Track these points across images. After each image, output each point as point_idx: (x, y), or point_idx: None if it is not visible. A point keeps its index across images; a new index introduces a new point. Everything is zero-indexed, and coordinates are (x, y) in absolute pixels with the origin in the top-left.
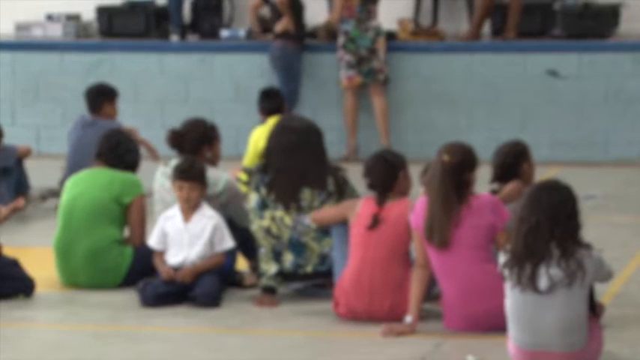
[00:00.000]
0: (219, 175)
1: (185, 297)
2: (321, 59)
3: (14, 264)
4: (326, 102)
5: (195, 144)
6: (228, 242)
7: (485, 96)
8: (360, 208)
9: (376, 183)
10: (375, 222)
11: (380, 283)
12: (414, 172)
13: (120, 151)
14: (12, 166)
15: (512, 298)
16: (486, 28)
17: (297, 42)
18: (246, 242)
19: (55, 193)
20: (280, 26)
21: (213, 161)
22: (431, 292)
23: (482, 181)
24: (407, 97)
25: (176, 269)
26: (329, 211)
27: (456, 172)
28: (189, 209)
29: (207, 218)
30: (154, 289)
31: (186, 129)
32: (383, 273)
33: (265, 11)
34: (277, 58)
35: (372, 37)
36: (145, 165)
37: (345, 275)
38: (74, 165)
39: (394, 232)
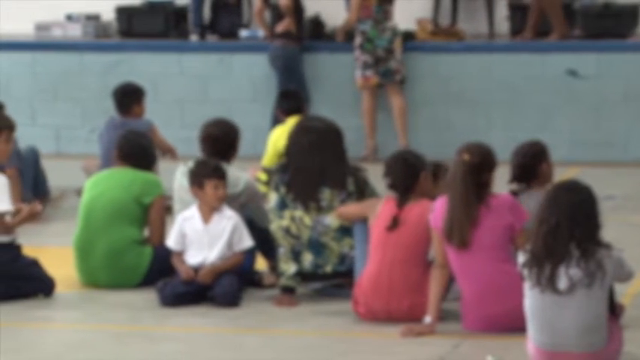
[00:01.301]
0: (238, 176)
1: (204, 297)
2: (339, 60)
3: (34, 264)
4: (344, 102)
5: (233, 146)
6: (247, 242)
7: (504, 96)
8: (381, 208)
9: (397, 183)
10: (395, 223)
11: (398, 285)
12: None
13: (142, 152)
14: (27, 168)
15: (531, 299)
16: (505, 27)
17: (298, 42)
18: (265, 242)
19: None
20: (281, 27)
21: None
22: (451, 292)
23: (501, 181)
24: (425, 97)
25: (195, 270)
26: (352, 207)
27: (475, 172)
28: (211, 210)
29: (227, 219)
30: (173, 289)
31: (215, 130)
32: (402, 274)
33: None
34: (277, 58)
35: (389, 38)
36: (163, 165)
37: (364, 276)
38: (107, 166)
39: (414, 234)
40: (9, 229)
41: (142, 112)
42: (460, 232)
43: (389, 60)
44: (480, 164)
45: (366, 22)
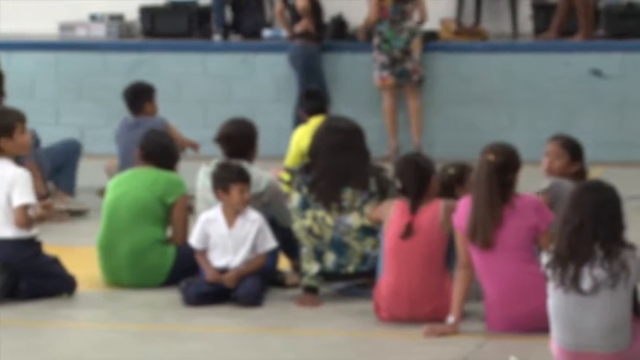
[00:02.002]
0: (261, 175)
1: (227, 296)
2: (361, 59)
3: (55, 262)
4: (366, 102)
5: (249, 145)
6: (271, 243)
7: (528, 96)
8: (393, 213)
9: (409, 188)
10: (409, 231)
11: (419, 292)
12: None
13: (165, 151)
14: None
15: (555, 299)
16: (528, 27)
17: (317, 42)
18: (288, 241)
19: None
20: (300, 27)
21: (253, 160)
22: (475, 292)
23: (525, 181)
24: (448, 97)
25: (219, 271)
26: (374, 211)
27: (500, 172)
28: (235, 213)
29: (251, 222)
30: (197, 289)
31: (231, 129)
32: (421, 282)
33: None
34: (297, 58)
35: (406, 38)
36: (185, 165)
37: (383, 284)
38: (127, 167)
39: (428, 240)
40: (31, 223)
41: (154, 110)
42: (484, 232)
43: (405, 61)
44: (504, 164)
45: (383, 22)
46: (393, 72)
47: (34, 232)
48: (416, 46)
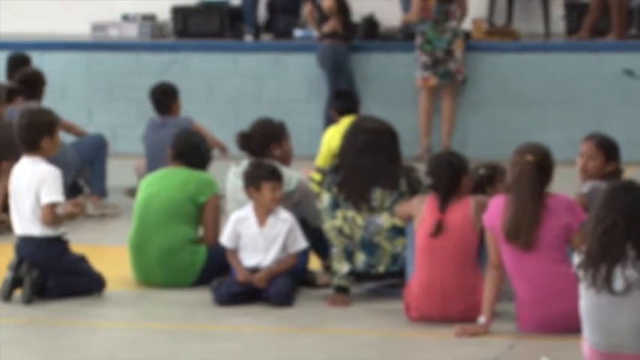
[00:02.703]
0: (291, 174)
1: (258, 296)
2: (394, 59)
3: (81, 260)
4: (398, 101)
5: (263, 143)
6: (301, 243)
7: (560, 96)
8: (424, 210)
9: (439, 185)
10: (439, 229)
11: (452, 290)
12: None
13: (196, 151)
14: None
15: (587, 299)
16: (560, 27)
17: (345, 41)
18: (319, 241)
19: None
20: (327, 27)
21: (285, 160)
22: (506, 292)
23: (558, 181)
24: (481, 97)
25: (250, 271)
26: (403, 207)
27: (539, 172)
28: (267, 212)
29: (282, 222)
30: (228, 289)
31: (253, 129)
32: (454, 280)
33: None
34: (325, 58)
35: (449, 39)
36: (215, 164)
37: (414, 282)
38: (155, 167)
39: (460, 238)
40: (58, 221)
41: (178, 109)
42: (527, 233)
43: (448, 61)
44: (542, 164)
45: (426, 22)
46: (436, 73)
47: (62, 230)
48: (458, 46)
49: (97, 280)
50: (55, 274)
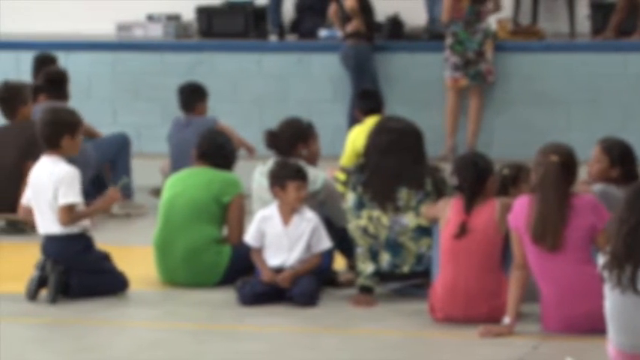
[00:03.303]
0: (316, 174)
1: (282, 296)
2: (419, 59)
3: (105, 258)
4: (425, 101)
5: (290, 142)
6: (326, 243)
7: (585, 96)
8: (449, 212)
9: (465, 187)
10: (463, 230)
11: (476, 292)
12: None
13: (223, 152)
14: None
15: (611, 300)
16: (586, 27)
17: (368, 41)
18: (344, 241)
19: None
20: (351, 27)
21: (311, 160)
22: (531, 293)
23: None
24: (506, 97)
25: (274, 271)
26: (429, 208)
27: (564, 172)
28: (292, 211)
29: (307, 221)
30: (252, 289)
31: (281, 128)
32: (478, 282)
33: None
34: (349, 58)
35: (480, 40)
36: (241, 164)
37: (439, 283)
38: (178, 166)
39: (484, 240)
40: (75, 221)
41: (205, 110)
42: (553, 234)
43: (479, 62)
44: (566, 165)
45: (457, 23)
46: (467, 73)
47: (84, 225)
48: (489, 47)
49: (121, 280)
50: (78, 272)
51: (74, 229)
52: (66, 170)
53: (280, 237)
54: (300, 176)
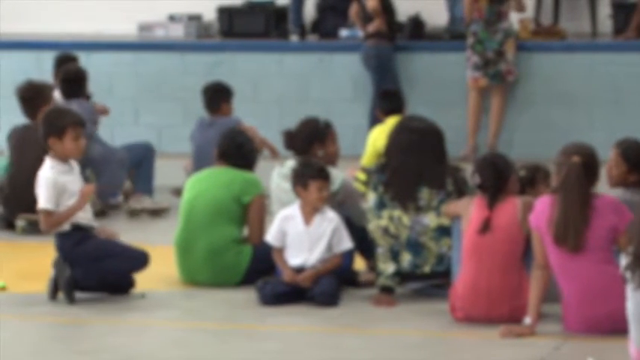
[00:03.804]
0: (335, 174)
1: (303, 296)
2: (440, 59)
3: (107, 244)
4: (447, 101)
5: (306, 143)
6: (347, 243)
7: (607, 95)
8: (472, 210)
9: (487, 185)
10: (486, 227)
11: (498, 291)
12: None
13: (242, 151)
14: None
15: (634, 301)
16: (607, 26)
17: (390, 41)
18: (363, 241)
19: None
20: (372, 27)
21: (329, 160)
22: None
23: (603, 182)
24: (527, 97)
25: (295, 271)
26: (452, 206)
27: (586, 172)
28: (313, 211)
29: (328, 221)
30: (273, 289)
31: (298, 128)
32: (500, 280)
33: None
34: (371, 58)
35: (500, 40)
36: (262, 164)
37: (460, 282)
38: (201, 166)
39: (507, 238)
40: (54, 226)
41: (229, 111)
42: (575, 235)
43: (499, 62)
44: (588, 165)
45: (478, 22)
46: (486, 73)
47: (79, 220)
48: (510, 46)
49: (137, 257)
50: (79, 264)
51: (65, 227)
52: (42, 175)
53: (301, 237)
54: (323, 176)
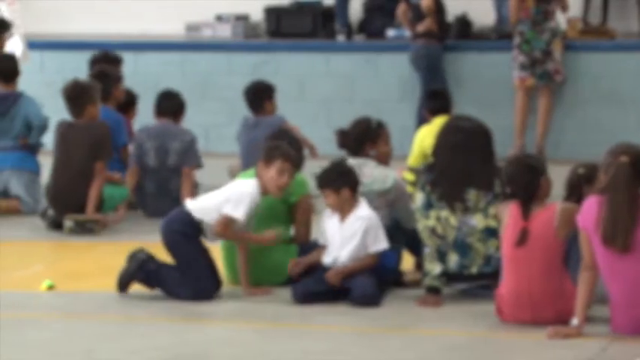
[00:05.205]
0: (386, 173)
1: (337, 295)
2: (487, 59)
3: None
4: (494, 101)
5: (358, 142)
6: (382, 243)
7: None
8: (508, 217)
9: (519, 192)
10: (524, 238)
11: (540, 297)
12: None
13: None
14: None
15: None
16: None
17: (440, 41)
18: (413, 239)
19: None
20: (422, 27)
21: (381, 160)
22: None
23: None
24: (575, 97)
25: (327, 269)
26: (498, 209)
27: (634, 172)
28: (349, 209)
29: (361, 220)
30: (304, 287)
31: (350, 127)
32: (541, 287)
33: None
34: (421, 58)
35: (547, 39)
36: (308, 164)
37: (504, 288)
38: (248, 166)
39: (544, 246)
40: (231, 236)
41: (273, 109)
42: (624, 236)
43: (546, 62)
44: (636, 165)
45: (524, 22)
46: (534, 73)
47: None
48: (557, 46)
49: (203, 290)
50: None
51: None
52: (244, 189)
53: (334, 234)
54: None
